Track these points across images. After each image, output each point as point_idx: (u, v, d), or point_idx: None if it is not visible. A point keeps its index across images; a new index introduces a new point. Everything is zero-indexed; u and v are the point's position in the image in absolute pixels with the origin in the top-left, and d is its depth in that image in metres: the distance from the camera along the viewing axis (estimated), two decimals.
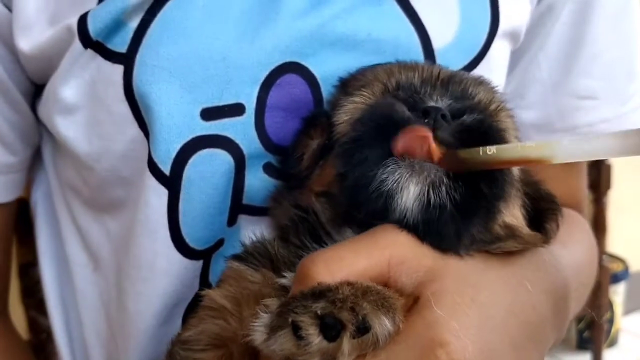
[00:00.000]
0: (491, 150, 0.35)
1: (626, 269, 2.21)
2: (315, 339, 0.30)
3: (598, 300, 1.96)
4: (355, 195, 0.36)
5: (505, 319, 0.36)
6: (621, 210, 2.23)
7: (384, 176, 0.35)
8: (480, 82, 0.43)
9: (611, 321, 2.21)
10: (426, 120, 0.36)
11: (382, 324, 0.31)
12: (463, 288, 0.35)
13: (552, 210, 0.43)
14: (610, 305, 2.14)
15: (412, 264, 0.35)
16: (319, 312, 0.30)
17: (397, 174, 0.35)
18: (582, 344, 2.21)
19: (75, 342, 0.57)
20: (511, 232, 0.40)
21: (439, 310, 0.33)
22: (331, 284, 0.32)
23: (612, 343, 2.26)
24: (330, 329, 0.30)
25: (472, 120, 0.37)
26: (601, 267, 1.99)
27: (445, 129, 0.36)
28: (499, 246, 0.39)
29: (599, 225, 2.00)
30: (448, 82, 0.41)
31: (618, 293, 2.20)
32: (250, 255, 0.41)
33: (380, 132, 0.37)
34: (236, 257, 0.42)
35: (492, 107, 0.42)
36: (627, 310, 2.36)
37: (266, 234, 0.44)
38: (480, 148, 0.35)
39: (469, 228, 0.36)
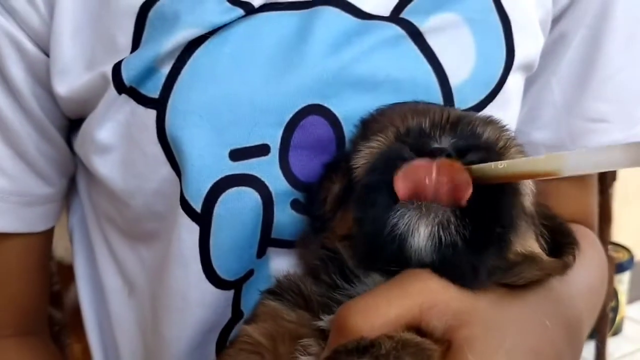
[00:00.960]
0: (502, 164, 0.36)
1: (631, 258, 2.23)
2: None
3: None
4: (372, 239, 0.39)
5: None
6: (626, 201, 2.24)
7: (395, 220, 0.37)
8: (489, 121, 0.44)
9: (615, 309, 2.23)
10: None
11: None
12: (491, 333, 0.37)
13: (570, 244, 0.45)
14: (615, 294, 2.17)
15: (441, 308, 0.37)
16: None
17: (406, 217, 0.37)
18: None
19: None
20: (529, 258, 0.41)
21: (472, 358, 0.35)
22: (374, 339, 0.34)
23: (617, 331, 2.28)
24: None
25: (477, 158, 0.39)
26: (606, 256, 2.01)
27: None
28: (522, 275, 0.40)
29: (604, 216, 2.01)
30: (457, 123, 0.43)
31: (623, 282, 2.23)
32: (285, 292, 0.43)
33: (387, 176, 0.39)
34: (271, 292, 0.44)
35: (500, 143, 0.43)
36: (632, 299, 2.38)
37: (296, 270, 0.46)
38: (492, 163, 0.37)
39: (483, 262, 0.38)
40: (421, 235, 0.37)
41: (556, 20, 0.59)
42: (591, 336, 2.16)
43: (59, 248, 0.96)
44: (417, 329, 0.36)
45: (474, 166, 0.37)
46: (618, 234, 2.23)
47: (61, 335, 0.99)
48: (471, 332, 0.36)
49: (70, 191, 0.61)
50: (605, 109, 0.60)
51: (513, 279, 0.40)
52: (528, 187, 0.43)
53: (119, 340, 0.58)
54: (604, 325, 2.08)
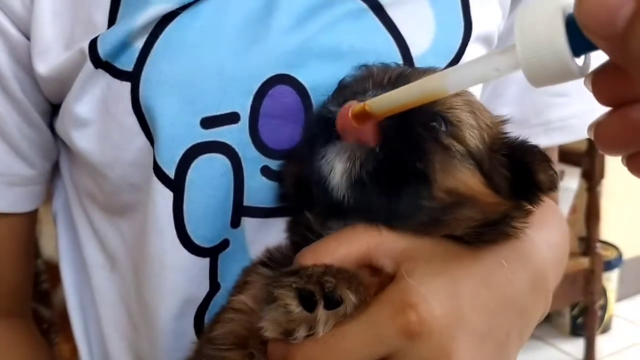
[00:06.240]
0: (391, 94, 0.37)
1: (619, 256, 2.25)
2: (296, 309, 0.35)
3: (591, 287, 2.00)
4: (315, 186, 0.43)
5: (477, 289, 0.41)
6: (614, 198, 2.26)
7: (320, 162, 0.41)
8: (425, 71, 0.45)
9: (604, 308, 2.25)
10: None
11: (347, 296, 0.36)
12: (433, 264, 0.40)
13: (538, 160, 0.42)
14: (603, 292, 2.19)
15: (388, 246, 0.40)
16: (293, 285, 0.35)
17: (327, 157, 0.41)
18: (575, 331, 2.25)
19: (91, 334, 0.62)
20: (461, 198, 0.41)
21: (410, 280, 0.38)
22: (307, 266, 0.37)
23: (606, 329, 2.30)
24: (309, 301, 0.35)
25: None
26: (595, 254, 2.03)
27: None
28: (453, 216, 0.41)
29: (592, 213, 2.04)
30: (396, 79, 0.45)
31: (611, 280, 2.24)
32: (275, 262, 0.46)
33: (318, 132, 0.43)
34: (261, 263, 0.47)
35: (408, 72, 0.45)
36: (620, 297, 2.40)
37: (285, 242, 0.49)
38: (382, 95, 0.37)
39: (396, 199, 0.40)
40: (337, 171, 0.40)
41: (516, 1, 0.62)
42: (580, 334, 2.18)
43: (48, 247, 0.98)
44: (369, 267, 0.39)
45: (368, 102, 0.39)
46: (607, 232, 2.25)
47: (49, 334, 1.01)
48: (415, 264, 0.39)
49: (53, 176, 0.63)
50: (565, 84, 0.62)
51: (445, 218, 0.41)
52: (479, 121, 0.44)
53: (102, 312, 0.59)
54: (593, 323, 2.10)
